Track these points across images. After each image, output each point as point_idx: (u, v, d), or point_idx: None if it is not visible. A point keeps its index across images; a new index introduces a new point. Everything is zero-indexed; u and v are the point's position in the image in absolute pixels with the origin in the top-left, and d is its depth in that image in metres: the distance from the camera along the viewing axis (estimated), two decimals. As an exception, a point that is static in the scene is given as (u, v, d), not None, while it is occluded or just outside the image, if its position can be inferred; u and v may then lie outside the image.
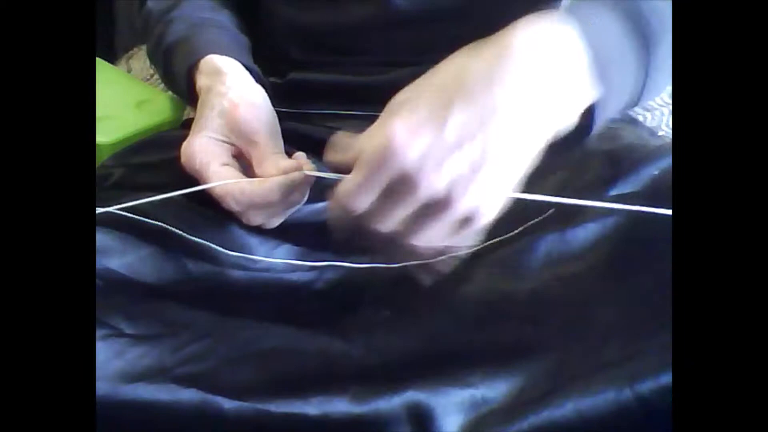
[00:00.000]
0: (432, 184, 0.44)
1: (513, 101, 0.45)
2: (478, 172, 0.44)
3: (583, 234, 0.53)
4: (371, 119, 0.66)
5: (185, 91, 0.64)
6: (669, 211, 0.45)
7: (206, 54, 0.62)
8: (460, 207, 0.45)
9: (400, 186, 0.44)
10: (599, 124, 0.50)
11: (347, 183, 0.46)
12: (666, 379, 0.42)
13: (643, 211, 0.48)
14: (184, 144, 0.56)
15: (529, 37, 0.47)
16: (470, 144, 0.44)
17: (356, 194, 0.46)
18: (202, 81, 0.61)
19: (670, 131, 0.63)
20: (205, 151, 0.55)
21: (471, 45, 0.47)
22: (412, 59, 0.68)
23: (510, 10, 0.68)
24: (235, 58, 0.62)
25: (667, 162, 0.57)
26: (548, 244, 0.53)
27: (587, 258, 0.52)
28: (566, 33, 0.47)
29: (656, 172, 0.56)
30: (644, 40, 0.51)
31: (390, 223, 0.47)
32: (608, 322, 0.49)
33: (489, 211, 0.46)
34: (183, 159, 0.56)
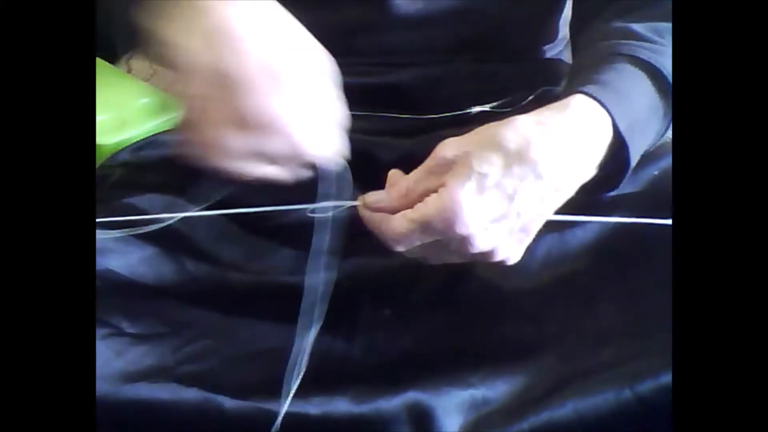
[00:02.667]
0: (486, 245, 0.46)
1: (570, 176, 0.47)
2: (526, 233, 0.47)
3: (582, 234, 0.53)
4: (371, 119, 0.66)
5: None
6: (669, 221, 0.45)
7: None
8: (499, 257, 0.47)
9: (453, 242, 0.46)
10: (626, 178, 0.53)
11: (400, 224, 0.46)
12: (665, 379, 0.42)
13: (642, 214, 0.49)
14: None
15: (584, 114, 0.49)
16: (529, 213, 0.46)
17: (406, 240, 0.47)
18: None
19: (670, 132, 0.63)
20: None
21: (534, 113, 0.48)
22: (412, 60, 0.69)
23: (508, 10, 0.68)
24: None
25: (667, 162, 0.57)
26: (548, 245, 0.53)
27: (586, 258, 0.53)
28: (602, 112, 0.49)
29: (656, 172, 0.56)
30: (670, 92, 0.53)
31: (422, 255, 0.49)
32: (608, 322, 0.49)
33: (517, 257, 0.49)
34: None
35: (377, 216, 0.48)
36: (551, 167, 0.46)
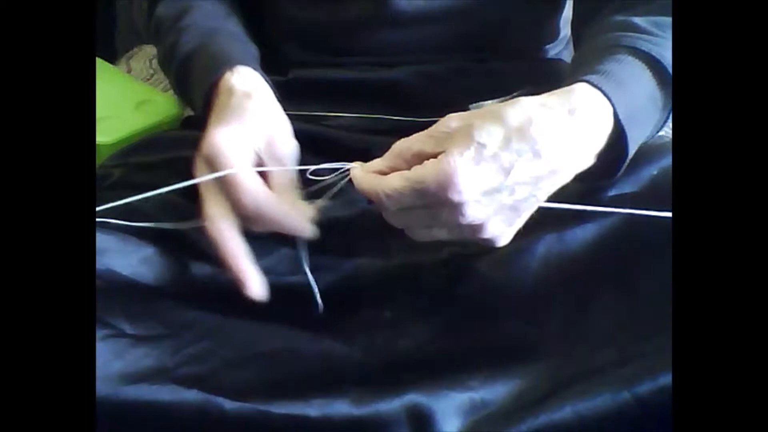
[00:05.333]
0: (476, 216, 0.46)
1: (570, 160, 0.48)
2: (517, 212, 0.48)
3: (581, 234, 0.53)
4: (370, 120, 0.66)
5: (201, 101, 0.60)
6: (669, 214, 0.45)
7: (225, 68, 0.59)
8: (488, 234, 0.48)
9: (444, 211, 0.46)
10: (624, 167, 0.54)
11: (394, 181, 0.47)
12: (665, 380, 0.42)
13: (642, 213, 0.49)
14: (211, 133, 0.53)
15: (586, 102, 0.49)
16: (522, 191, 0.46)
17: (398, 198, 0.47)
18: (230, 91, 0.58)
19: (670, 131, 0.63)
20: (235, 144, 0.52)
21: (538, 96, 0.49)
22: (412, 59, 0.69)
23: (508, 10, 0.68)
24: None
25: (666, 162, 0.57)
26: (547, 245, 0.53)
27: (586, 259, 0.52)
28: (604, 101, 0.50)
29: (655, 172, 0.56)
30: (670, 84, 0.54)
31: (410, 224, 0.49)
32: (607, 323, 0.49)
33: (506, 240, 0.49)
34: (206, 147, 0.53)
35: (371, 175, 0.49)
36: (550, 148, 0.46)
